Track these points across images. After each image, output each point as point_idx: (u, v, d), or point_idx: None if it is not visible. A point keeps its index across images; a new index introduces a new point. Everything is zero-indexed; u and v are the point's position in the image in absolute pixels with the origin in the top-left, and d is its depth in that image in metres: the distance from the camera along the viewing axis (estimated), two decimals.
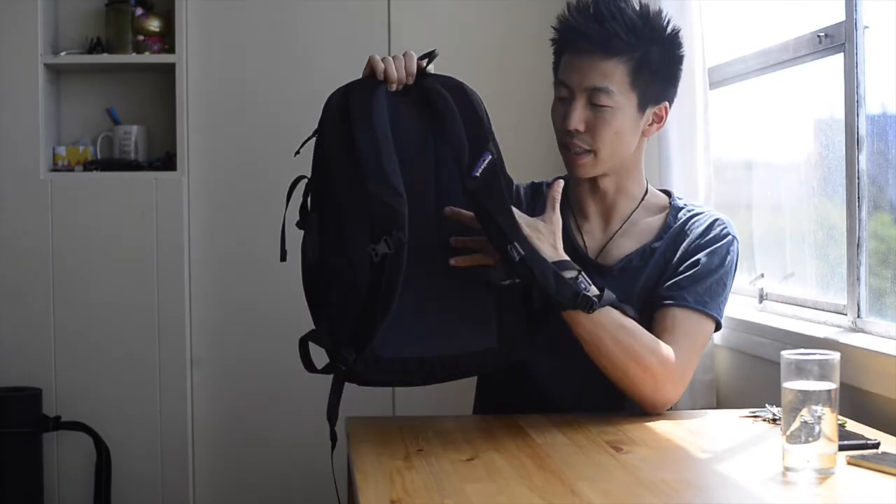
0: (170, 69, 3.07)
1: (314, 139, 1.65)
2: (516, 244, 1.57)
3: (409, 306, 1.56)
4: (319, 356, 1.61)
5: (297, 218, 1.65)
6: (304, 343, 1.64)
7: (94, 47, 3.11)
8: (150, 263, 3.09)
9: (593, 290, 1.64)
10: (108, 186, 3.10)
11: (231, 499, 3.17)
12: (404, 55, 1.67)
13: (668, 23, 1.83)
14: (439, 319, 1.62)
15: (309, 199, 1.65)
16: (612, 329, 1.67)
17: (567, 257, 1.68)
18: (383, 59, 1.66)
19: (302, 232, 1.64)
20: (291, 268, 3.22)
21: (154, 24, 3.14)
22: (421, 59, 1.68)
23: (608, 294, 1.65)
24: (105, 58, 3.10)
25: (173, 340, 3.09)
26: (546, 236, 1.67)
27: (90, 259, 3.08)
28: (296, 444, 3.09)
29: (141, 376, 3.07)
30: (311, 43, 3.18)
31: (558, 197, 1.73)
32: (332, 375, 1.62)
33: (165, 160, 3.16)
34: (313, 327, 1.63)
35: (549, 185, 1.94)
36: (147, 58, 3.10)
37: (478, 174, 1.59)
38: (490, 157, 1.61)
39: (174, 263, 3.09)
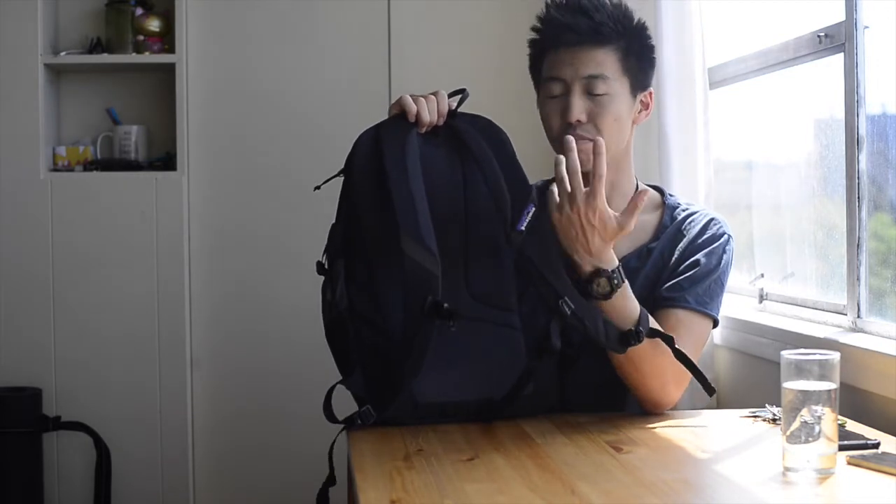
0: (170, 69, 3.08)
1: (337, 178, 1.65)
2: (567, 299, 1.59)
3: (443, 352, 1.56)
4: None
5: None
6: (329, 392, 1.62)
7: (94, 47, 3.11)
8: (150, 263, 3.09)
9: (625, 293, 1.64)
10: (108, 186, 3.10)
11: (231, 498, 3.17)
12: (435, 95, 1.67)
13: (633, 14, 1.86)
14: (473, 364, 1.63)
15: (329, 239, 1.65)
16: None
17: (610, 262, 1.63)
18: (415, 100, 1.65)
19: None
20: (291, 269, 3.22)
21: (154, 24, 3.14)
22: (451, 96, 1.68)
23: (644, 316, 1.64)
24: (105, 58, 3.10)
25: (173, 340, 3.09)
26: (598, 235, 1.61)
27: (90, 259, 3.08)
28: (295, 443, 3.09)
29: (141, 376, 3.07)
30: (310, 43, 3.18)
31: (640, 206, 1.63)
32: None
33: (165, 160, 3.16)
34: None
35: (540, 186, 1.94)
36: (147, 58, 3.10)
37: (522, 228, 1.60)
38: (533, 208, 1.61)
39: (174, 263, 3.09)
